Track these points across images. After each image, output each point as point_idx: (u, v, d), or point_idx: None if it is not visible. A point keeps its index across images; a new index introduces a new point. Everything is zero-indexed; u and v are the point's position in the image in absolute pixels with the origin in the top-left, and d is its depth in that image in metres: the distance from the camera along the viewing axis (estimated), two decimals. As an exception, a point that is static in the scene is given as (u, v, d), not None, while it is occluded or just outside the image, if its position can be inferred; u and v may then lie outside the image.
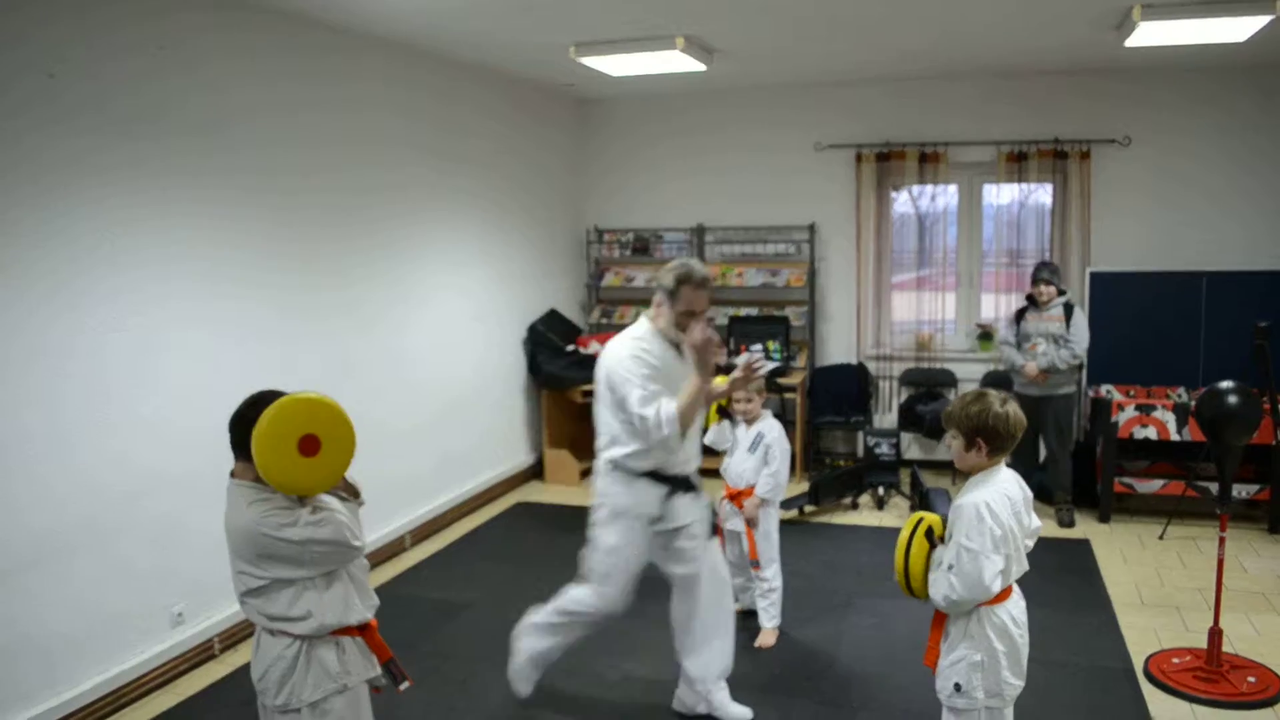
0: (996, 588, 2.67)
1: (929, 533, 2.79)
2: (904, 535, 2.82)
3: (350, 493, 2.77)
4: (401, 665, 2.81)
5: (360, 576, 2.74)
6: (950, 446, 2.82)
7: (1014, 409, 2.75)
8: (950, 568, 2.66)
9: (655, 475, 3.53)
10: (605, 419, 3.55)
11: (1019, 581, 2.83)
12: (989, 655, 2.72)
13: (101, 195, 3.86)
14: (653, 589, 3.64)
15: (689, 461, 3.63)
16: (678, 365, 3.47)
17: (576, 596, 3.70)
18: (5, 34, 3.47)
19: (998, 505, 2.68)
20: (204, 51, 4.31)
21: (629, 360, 3.40)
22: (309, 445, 2.48)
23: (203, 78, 4.31)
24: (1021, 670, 2.80)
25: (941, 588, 2.70)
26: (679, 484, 3.58)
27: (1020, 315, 6.34)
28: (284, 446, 2.45)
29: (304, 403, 2.51)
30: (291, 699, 2.59)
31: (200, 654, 4.37)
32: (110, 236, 3.90)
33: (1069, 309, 6.17)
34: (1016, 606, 2.80)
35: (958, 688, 2.77)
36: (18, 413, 3.58)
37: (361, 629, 2.71)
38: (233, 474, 2.62)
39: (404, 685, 2.80)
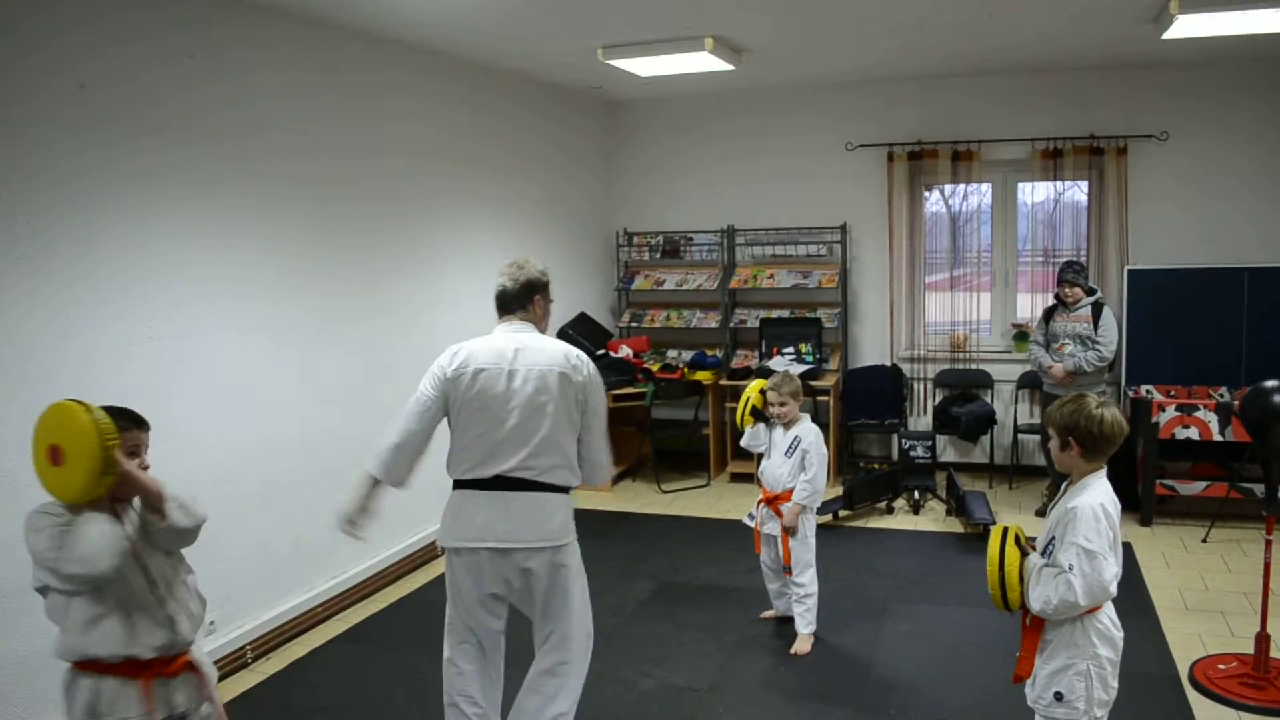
0: (1114, 590, 2.63)
1: (1017, 540, 2.75)
2: (994, 546, 2.74)
3: (154, 508, 2.50)
4: None
5: (142, 612, 2.49)
6: (1051, 448, 2.81)
7: (1111, 414, 2.69)
8: (1070, 568, 2.58)
9: None
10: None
11: None
12: (1094, 663, 2.66)
13: (131, 203, 3.87)
14: (681, 595, 3.59)
15: None
16: None
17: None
18: (36, 39, 3.49)
19: (1111, 508, 2.66)
20: (234, 60, 4.33)
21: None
22: (54, 454, 2.38)
23: (233, 86, 4.33)
24: (1117, 677, 2.74)
25: (1054, 592, 2.61)
26: None
27: (1049, 315, 6.27)
28: (38, 455, 2.40)
29: (51, 412, 2.42)
30: None
31: (233, 662, 4.36)
32: (140, 244, 3.92)
33: (1097, 309, 6.08)
34: (1112, 611, 2.74)
35: (1058, 697, 2.68)
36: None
37: (138, 671, 2.48)
38: None
39: None
